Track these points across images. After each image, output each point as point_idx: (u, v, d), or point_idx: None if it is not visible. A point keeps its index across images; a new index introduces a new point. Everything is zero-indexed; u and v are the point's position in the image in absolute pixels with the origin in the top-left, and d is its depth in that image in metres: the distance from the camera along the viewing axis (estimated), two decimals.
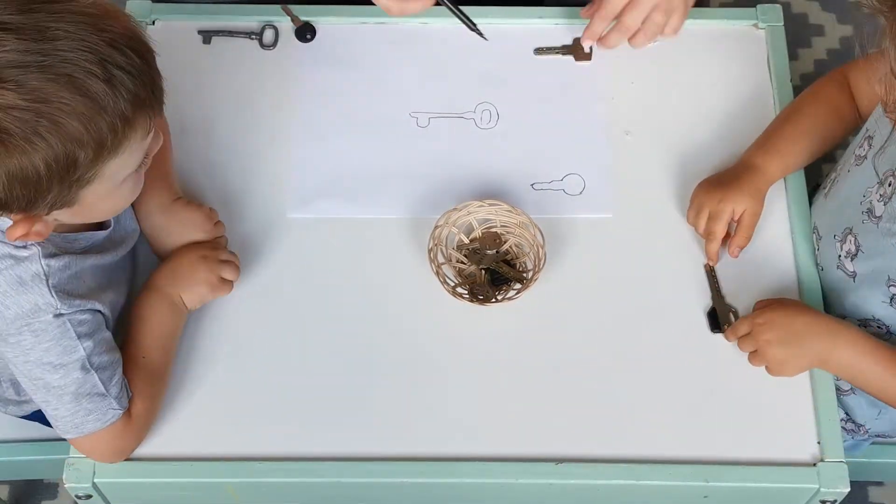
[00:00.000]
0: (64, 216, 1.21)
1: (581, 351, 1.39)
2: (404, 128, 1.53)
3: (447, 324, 1.40)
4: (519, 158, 1.50)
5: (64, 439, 1.34)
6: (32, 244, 1.22)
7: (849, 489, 1.32)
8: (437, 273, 1.39)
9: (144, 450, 1.33)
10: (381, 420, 1.35)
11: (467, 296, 1.39)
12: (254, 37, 1.59)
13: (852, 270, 1.37)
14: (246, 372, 1.37)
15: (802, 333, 1.35)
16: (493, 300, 1.39)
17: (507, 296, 1.39)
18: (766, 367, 1.35)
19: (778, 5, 1.61)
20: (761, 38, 1.60)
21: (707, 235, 1.42)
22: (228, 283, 1.38)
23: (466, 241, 1.43)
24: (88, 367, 1.25)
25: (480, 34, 1.53)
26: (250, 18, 1.60)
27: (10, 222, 1.19)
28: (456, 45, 1.58)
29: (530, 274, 1.40)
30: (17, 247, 1.21)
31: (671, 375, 1.38)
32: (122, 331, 1.34)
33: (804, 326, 1.35)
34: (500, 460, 1.33)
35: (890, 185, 1.31)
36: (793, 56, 1.59)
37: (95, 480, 1.31)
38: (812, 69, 2.32)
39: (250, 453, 1.33)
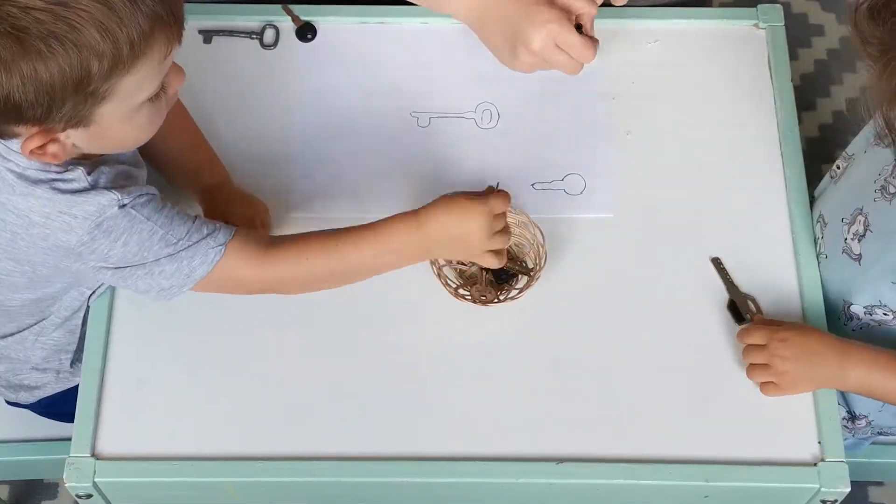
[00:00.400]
0: (80, 139, 1.21)
1: (581, 351, 1.39)
2: (405, 127, 1.53)
3: (447, 324, 1.40)
4: (519, 158, 1.50)
5: (64, 439, 1.34)
6: (73, 167, 1.22)
7: (849, 489, 1.32)
8: (439, 275, 1.39)
9: (144, 450, 1.33)
10: (381, 420, 1.35)
11: (469, 297, 1.39)
12: (254, 36, 1.59)
13: (858, 253, 1.37)
14: (246, 372, 1.37)
15: (819, 353, 1.35)
16: (496, 301, 1.39)
17: (510, 296, 1.39)
18: (770, 384, 1.35)
19: (778, 5, 1.61)
20: (761, 38, 1.60)
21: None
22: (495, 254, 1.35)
23: None
24: (174, 240, 1.26)
25: None
26: (251, 18, 1.60)
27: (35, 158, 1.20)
28: (456, 45, 1.58)
29: (532, 272, 1.40)
30: (59, 173, 1.22)
31: (671, 375, 1.38)
32: None
33: (820, 346, 1.35)
34: (500, 460, 1.33)
35: None
36: (793, 56, 1.59)
37: (96, 480, 1.31)
38: (812, 69, 2.32)
39: (250, 453, 1.33)
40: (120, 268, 1.27)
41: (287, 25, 1.60)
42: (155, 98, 1.22)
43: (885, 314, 1.39)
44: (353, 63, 1.57)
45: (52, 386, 1.51)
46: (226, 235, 1.29)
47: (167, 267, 1.27)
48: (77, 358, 1.48)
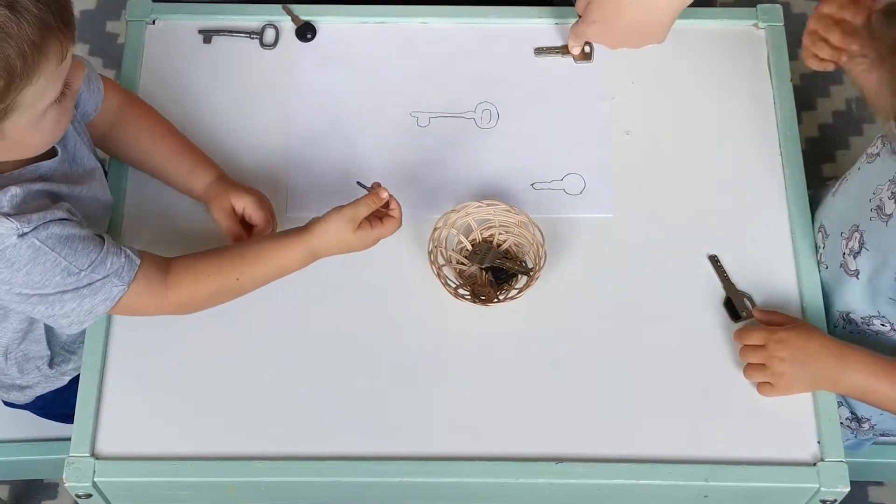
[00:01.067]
0: None
1: (581, 351, 1.39)
2: (405, 127, 1.53)
3: (447, 324, 1.40)
4: (519, 158, 1.50)
5: (64, 439, 1.34)
6: None
7: (849, 489, 1.32)
8: (438, 275, 1.39)
9: (144, 450, 1.33)
10: (381, 420, 1.35)
11: (469, 297, 1.39)
12: (254, 36, 1.59)
13: (855, 269, 1.37)
14: (246, 372, 1.37)
15: (816, 355, 1.35)
16: (496, 300, 1.39)
17: (510, 295, 1.39)
18: (767, 384, 1.35)
19: (778, 5, 1.61)
20: (761, 38, 1.60)
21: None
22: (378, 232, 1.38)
23: (466, 242, 1.43)
24: (76, 270, 1.25)
25: None
26: (251, 18, 1.60)
27: None
28: (456, 45, 1.58)
29: (532, 272, 1.40)
30: None
31: (671, 375, 1.38)
32: None
33: (819, 348, 1.35)
34: (500, 460, 1.33)
35: None
36: (793, 56, 1.59)
37: (95, 480, 1.31)
38: (812, 69, 2.31)
39: (250, 453, 1.33)
40: (23, 294, 1.25)
41: (287, 25, 1.60)
42: (60, 98, 1.21)
43: (882, 325, 1.39)
44: (352, 63, 1.57)
45: (42, 385, 1.51)
46: (130, 273, 1.29)
47: (69, 304, 1.27)
48: (55, 361, 1.48)
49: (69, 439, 1.33)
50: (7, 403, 1.57)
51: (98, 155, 1.42)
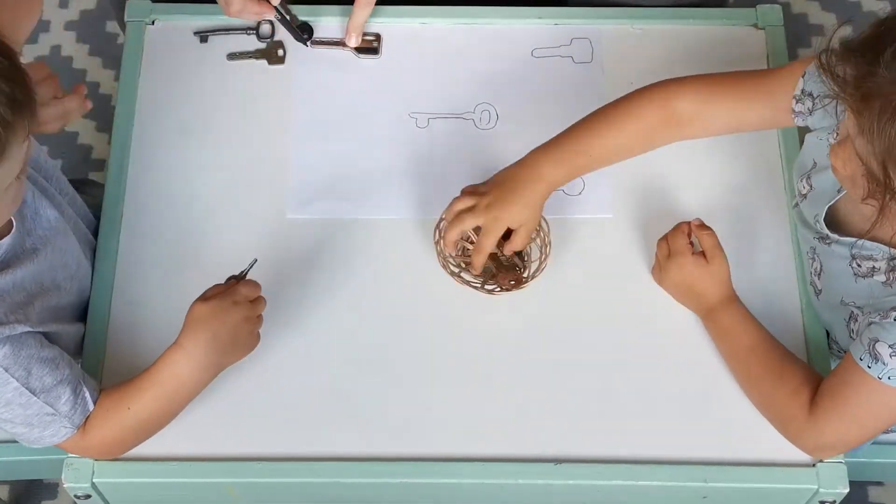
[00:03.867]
0: None
1: (581, 351, 1.39)
2: (404, 128, 1.53)
3: (447, 325, 1.40)
4: (518, 159, 1.50)
5: None
6: None
7: (848, 489, 1.32)
8: (445, 266, 1.38)
9: (144, 450, 1.33)
10: (380, 420, 1.35)
11: (476, 283, 1.39)
12: (250, 32, 1.58)
13: (820, 288, 1.38)
14: (246, 372, 1.37)
15: (710, 276, 1.36)
16: (505, 286, 1.38)
17: (525, 276, 1.39)
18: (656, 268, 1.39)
19: (778, 6, 1.61)
20: (761, 39, 1.60)
21: (476, 248, 1.38)
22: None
23: (472, 233, 1.42)
24: (29, 393, 1.23)
25: (304, 42, 1.56)
26: (254, 21, 1.60)
27: None
28: (456, 46, 1.58)
29: (537, 262, 1.39)
30: None
31: (671, 376, 1.38)
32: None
33: (717, 274, 1.37)
34: (499, 460, 1.33)
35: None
36: (793, 56, 1.59)
37: (95, 480, 1.31)
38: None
39: (250, 453, 1.33)
40: None
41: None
42: (21, 173, 1.18)
43: (839, 351, 1.40)
44: (352, 63, 1.57)
45: None
46: (82, 416, 1.27)
47: (18, 428, 1.26)
48: None
49: None
50: None
51: (58, 199, 1.38)
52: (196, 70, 1.57)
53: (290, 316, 1.40)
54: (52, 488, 1.92)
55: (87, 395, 1.28)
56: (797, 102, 1.33)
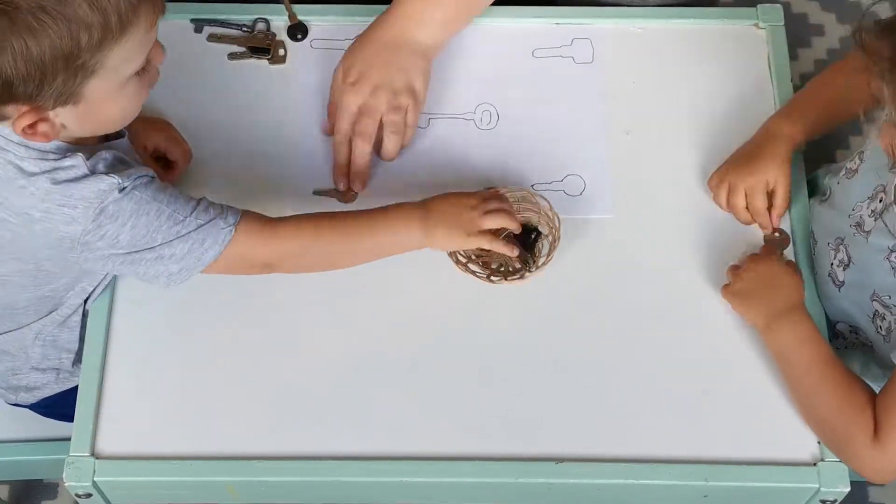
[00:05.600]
0: (69, 118, 1.21)
1: (581, 351, 1.39)
2: None
3: (447, 324, 1.40)
4: (519, 159, 1.50)
5: (64, 439, 1.34)
6: (71, 154, 1.23)
7: (849, 489, 1.32)
8: (452, 253, 1.39)
9: (144, 449, 1.33)
10: (380, 419, 1.35)
11: (481, 273, 1.39)
12: (245, 30, 1.58)
13: (841, 280, 1.38)
14: (246, 372, 1.37)
15: (779, 290, 1.36)
16: (528, 269, 1.39)
17: (536, 266, 1.39)
18: (729, 292, 1.38)
19: (778, 5, 1.61)
20: (762, 38, 1.60)
21: (753, 212, 1.43)
22: (489, 235, 1.37)
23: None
24: (181, 218, 1.26)
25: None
26: (251, 18, 1.60)
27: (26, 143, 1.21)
28: (456, 46, 1.58)
29: (543, 258, 1.40)
30: (56, 160, 1.22)
31: (671, 375, 1.38)
32: None
33: (786, 286, 1.36)
34: (499, 460, 1.33)
35: (881, 200, 1.31)
36: (793, 56, 1.59)
37: (95, 479, 1.31)
38: (812, 69, 2.32)
39: (250, 453, 1.33)
40: (130, 252, 1.27)
41: (280, 25, 1.59)
42: (141, 72, 1.22)
43: (850, 331, 1.40)
44: None
45: (51, 386, 1.51)
46: (235, 216, 1.30)
47: (178, 249, 1.27)
48: (79, 358, 1.48)
49: (69, 439, 1.33)
50: (11, 403, 1.57)
51: None
52: (196, 70, 1.57)
53: (288, 315, 1.40)
54: (52, 488, 1.93)
55: (231, 206, 1.30)
56: None
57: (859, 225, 1.34)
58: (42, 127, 1.20)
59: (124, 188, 1.23)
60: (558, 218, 1.41)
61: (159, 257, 1.27)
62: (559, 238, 1.40)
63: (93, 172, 1.23)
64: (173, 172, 1.46)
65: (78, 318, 1.43)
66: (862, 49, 1.19)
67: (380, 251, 1.37)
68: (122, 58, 1.19)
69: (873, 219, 1.32)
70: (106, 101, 1.22)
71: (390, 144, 1.48)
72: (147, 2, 1.18)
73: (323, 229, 1.34)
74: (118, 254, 1.27)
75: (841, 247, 1.37)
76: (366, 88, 1.47)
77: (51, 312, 1.41)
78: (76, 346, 1.46)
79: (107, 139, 1.30)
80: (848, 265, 1.36)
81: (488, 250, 1.38)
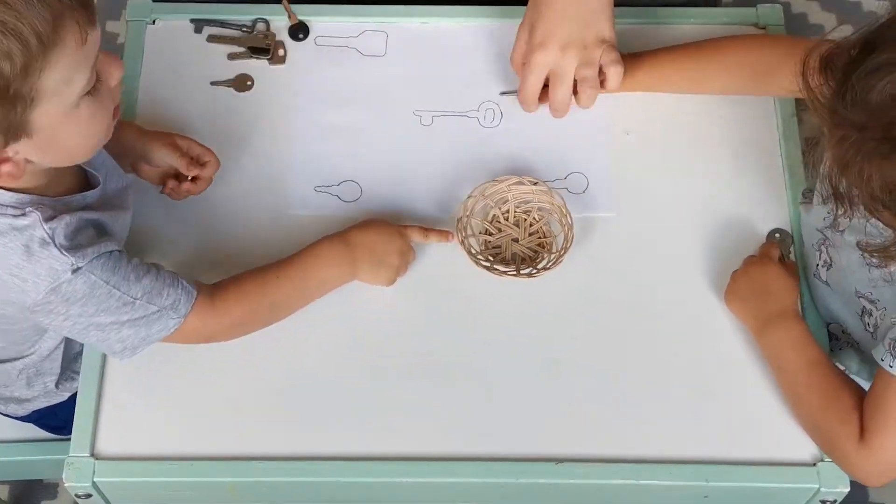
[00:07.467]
0: (30, 151, 1.16)
1: (582, 350, 1.39)
2: (408, 126, 1.53)
3: (447, 324, 1.40)
4: (522, 157, 1.50)
5: (64, 439, 1.34)
6: (31, 211, 1.19)
7: (849, 489, 1.32)
8: (463, 242, 1.40)
9: (144, 450, 1.33)
10: (381, 420, 1.35)
11: (486, 264, 1.39)
12: (245, 30, 1.58)
13: (825, 280, 1.38)
14: (246, 372, 1.37)
15: (773, 293, 1.36)
16: (531, 271, 1.39)
17: (544, 266, 1.39)
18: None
19: (778, 5, 1.61)
20: None
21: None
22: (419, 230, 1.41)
23: (500, 213, 1.44)
24: (131, 300, 1.25)
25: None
26: (251, 18, 1.60)
27: None
28: (460, 45, 1.58)
29: (555, 256, 1.40)
30: (15, 216, 1.19)
31: (672, 375, 1.38)
32: None
33: (780, 289, 1.37)
34: (500, 460, 1.33)
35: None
36: None
37: (95, 480, 1.31)
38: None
39: (250, 453, 1.33)
40: (78, 327, 1.25)
41: (281, 24, 1.59)
42: (93, 92, 1.17)
43: (843, 332, 1.40)
44: (353, 62, 1.57)
45: (41, 400, 1.50)
46: (187, 305, 1.28)
47: (124, 331, 1.27)
48: (61, 380, 1.48)
49: (69, 439, 1.33)
50: (3, 414, 1.57)
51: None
52: (197, 69, 1.57)
53: (289, 316, 1.40)
54: (52, 488, 1.93)
55: (186, 285, 1.29)
56: None
57: (834, 225, 1.34)
58: (5, 168, 1.16)
59: (78, 269, 1.20)
60: (570, 215, 1.41)
61: (106, 334, 1.27)
62: (572, 238, 1.40)
63: (51, 239, 1.19)
64: (200, 183, 1.44)
65: (60, 351, 1.43)
66: (806, 85, 1.16)
67: (318, 288, 1.38)
68: (60, 79, 1.12)
69: (847, 218, 1.32)
70: (60, 126, 1.16)
71: (586, 99, 1.49)
72: (68, 18, 1.10)
73: (268, 283, 1.34)
74: (67, 325, 1.25)
75: (822, 247, 1.37)
76: (555, 46, 1.45)
77: (31, 353, 1.41)
78: (58, 370, 1.46)
79: (88, 183, 1.28)
80: (830, 265, 1.37)
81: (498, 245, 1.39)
